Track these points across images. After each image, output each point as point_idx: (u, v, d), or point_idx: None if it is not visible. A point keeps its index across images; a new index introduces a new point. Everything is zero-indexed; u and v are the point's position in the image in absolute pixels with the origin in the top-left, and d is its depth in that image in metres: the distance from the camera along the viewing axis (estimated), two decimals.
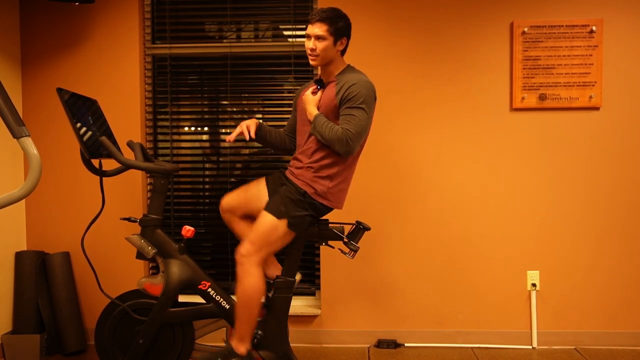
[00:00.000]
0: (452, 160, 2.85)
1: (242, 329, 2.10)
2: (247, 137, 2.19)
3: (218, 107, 3.06)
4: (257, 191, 2.23)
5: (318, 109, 2.11)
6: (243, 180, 3.01)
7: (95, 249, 2.86)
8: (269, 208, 2.09)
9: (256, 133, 2.25)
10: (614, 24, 2.78)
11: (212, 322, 2.28)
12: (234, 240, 2.33)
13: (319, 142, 2.08)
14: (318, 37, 2.06)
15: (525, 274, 2.85)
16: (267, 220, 2.07)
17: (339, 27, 2.07)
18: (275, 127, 2.37)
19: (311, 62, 2.12)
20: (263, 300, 2.13)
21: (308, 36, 2.09)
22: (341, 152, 2.04)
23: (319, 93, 2.14)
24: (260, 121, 2.31)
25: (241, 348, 2.10)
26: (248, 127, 2.20)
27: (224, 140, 3.07)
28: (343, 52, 2.16)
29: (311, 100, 2.13)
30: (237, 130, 2.21)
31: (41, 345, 2.68)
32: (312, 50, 2.08)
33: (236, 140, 3.01)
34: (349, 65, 2.18)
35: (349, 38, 2.15)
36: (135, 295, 2.21)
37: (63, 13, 2.89)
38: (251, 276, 2.07)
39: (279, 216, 2.06)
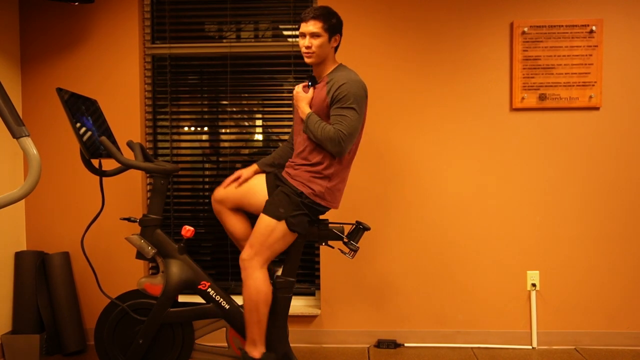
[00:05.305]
0: (452, 160, 2.85)
1: (252, 332, 2.09)
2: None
3: (218, 107, 3.06)
4: (254, 186, 2.20)
5: (310, 107, 2.11)
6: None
7: (95, 249, 2.86)
8: (267, 211, 2.09)
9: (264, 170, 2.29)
10: (614, 24, 2.78)
11: (212, 322, 2.28)
12: None
13: (315, 142, 2.08)
14: (313, 35, 2.07)
15: (525, 274, 2.85)
16: (265, 222, 2.07)
17: (333, 24, 2.10)
18: (277, 133, 2.36)
19: (307, 60, 2.13)
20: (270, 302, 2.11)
21: (302, 35, 2.10)
22: (333, 152, 2.04)
23: (311, 90, 2.14)
24: (256, 166, 2.30)
25: (255, 352, 2.10)
26: (240, 176, 2.23)
27: (224, 140, 3.07)
28: (336, 49, 2.18)
29: (303, 98, 2.13)
30: (233, 176, 2.25)
31: (41, 345, 2.67)
32: (308, 47, 2.09)
33: (236, 140, 3.06)
34: (340, 64, 2.18)
35: (341, 35, 2.17)
36: (135, 295, 2.21)
37: (63, 13, 2.89)
38: (254, 279, 2.07)
39: (278, 218, 2.06)
